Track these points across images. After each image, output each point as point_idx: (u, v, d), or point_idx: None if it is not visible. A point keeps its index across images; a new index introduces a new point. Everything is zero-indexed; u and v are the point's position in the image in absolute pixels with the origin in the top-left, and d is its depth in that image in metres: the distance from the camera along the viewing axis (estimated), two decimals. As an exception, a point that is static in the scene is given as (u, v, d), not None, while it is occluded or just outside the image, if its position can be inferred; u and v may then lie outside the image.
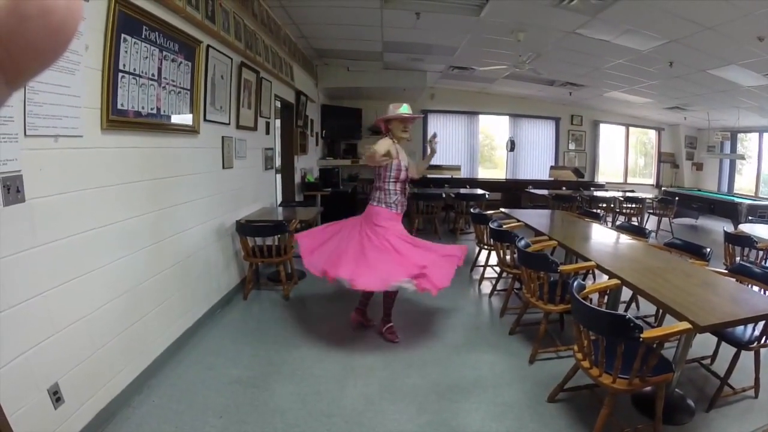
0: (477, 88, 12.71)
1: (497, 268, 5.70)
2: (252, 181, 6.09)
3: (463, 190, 10.12)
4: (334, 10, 6.54)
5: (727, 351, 3.45)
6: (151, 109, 3.41)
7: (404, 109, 4.10)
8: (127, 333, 3.24)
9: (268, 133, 6.69)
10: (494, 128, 14.84)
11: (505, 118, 14.26)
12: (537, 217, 6.41)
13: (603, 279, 3.76)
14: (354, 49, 8.89)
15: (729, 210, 9.68)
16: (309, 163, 10.06)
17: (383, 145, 4.04)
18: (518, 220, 5.99)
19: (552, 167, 13.93)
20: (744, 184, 13.52)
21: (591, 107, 13.83)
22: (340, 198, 9.65)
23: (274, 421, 3.08)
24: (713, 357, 3.86)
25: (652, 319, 4.58)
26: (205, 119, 4.39)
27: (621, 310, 4.57)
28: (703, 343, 3.89)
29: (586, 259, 4.02)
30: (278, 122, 7.93)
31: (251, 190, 6.07)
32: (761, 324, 3.19)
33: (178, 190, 3.99)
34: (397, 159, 4.11)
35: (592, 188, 12.29)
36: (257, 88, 5.92)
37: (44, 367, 2.44)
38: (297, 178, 8.90)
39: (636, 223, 8.74)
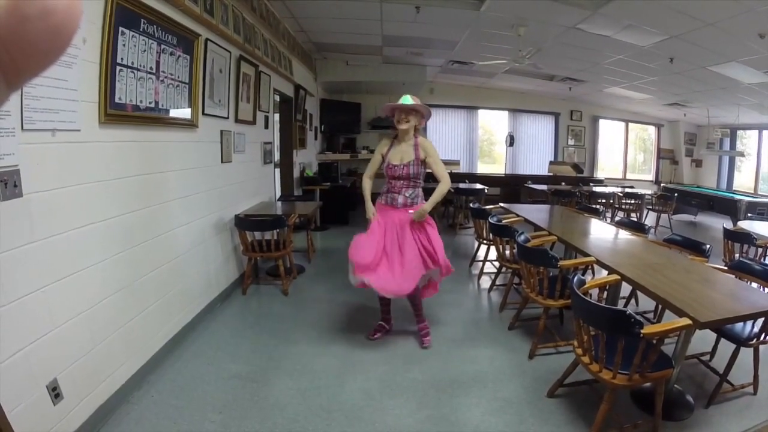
0: (476, 82, 12.70)
1: (496, 263, 5.70)
2: (251, 175, 6.08)
3: (462, 185, 10.10)
4: (333, 3, 6.52)
5: (727, 347, 3.45)
6: (150, 102, 3.40)
7: (404, 100, 3.99)
8: (126, 328, 3.23)
9: (267, 127, 6.67)
10: (493, 123, 14.85)
11: (505, 113, 14.26)
12: (536, 213, 6.41)
13: (602, 274, 3.75)
14: (353, 43, 8.87)
15: (728, 207, 9.69)
16: (308, 157, 10.05)
17: (376, 153, 4.22)
18: (517, 215, 5.99)
19: (551, 162, 13.93)
20: (743, 181, 13.51)
21: (590, 103, 13.82)
22: (339, 192, 9.64)
23: (274, 416, 3.08)
24: (712, 353, 3.86)
25: (651, 315, 4.58)
26: (203, 113, 4.37)
27: (620, 306, 4.57)
28: (703, 340, 3.90)
29: (586, 255, 4.01)
30: (277, 116, 7.93)
31: (250, 184, 6.06)
32: (760, 321, 3.20)
33: (176, 185, 3.98)
34: (385, 158, 4.10)
35: (591, 184, 12.31)
36: (256, 82, 5.89)
37: (43, 363, 2.44)
38: (296, 173, 8.90)
39: (635, 219, 8.75)
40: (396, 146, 4.10)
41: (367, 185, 4.27)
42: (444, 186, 4.06)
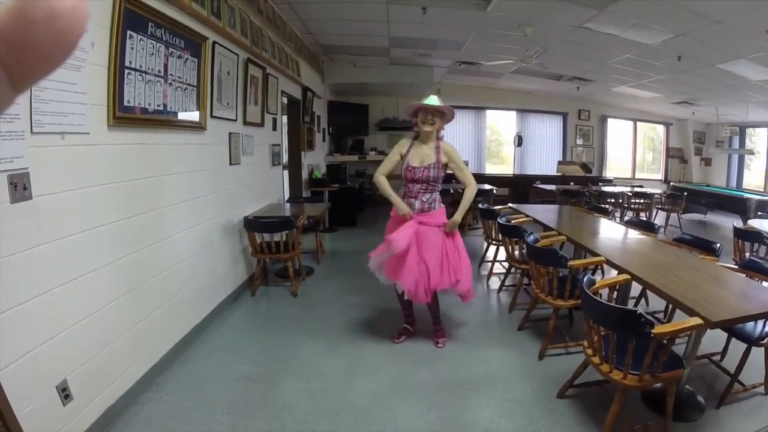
0: (484, 83, 12.68)
1: (506, 264, 5.68)
2: (259, 177, 6.09)
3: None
4: (339, 5, 6.53)
5: (738, 347, 3.42)
6: (158, 105, 3.41)
7: (429, 100, 3.86)
8: (135, 330, 3.25)
9: (275, 129, 6.68)
10: (501, 123, 14.80)
11: (513, 114, 14.22)
12: (545, 213, 6.38)
13: (612, 274, 3.73)
14: (360, 44, 8.89)
15: (738, 205, 9.63)
16: (316, 159, 10.07)
17: (394, 151, 4.05)
18: (526, 216, 5.97)
19: (560, 162, 13.87)
20: (753, 179, 13.40)
21: (598, 102, 13.76)
22: (348, 194, 9.66)
23: (283, 417, 3.08)
24: (723, 353, 3.83)
25: (661, 315, 4.55)
26: (211, 115, 4.38)
27: (630, 306, 4.54)
28: (713, 339, 3.87)
29: (596, 255, 3.99)
30: (285, 118, 7.94)
31: (258, 186, 6.08)
32: (772, 320, 3.17)
33: (185, 187, 3.99)
34: (404, 159, 3.97)
35: (600, 183, 12.26)
36: (264, 85, 5.91)
37: (53, 365, 2.45)
38: (304, 174, 8.92)
39: (644, 219, 8.70)
40: (416, 147, 3.98)
41: (384, 181, 4.03)
42: (470, 192, 4.01)
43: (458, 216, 3.96)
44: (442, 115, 3.93)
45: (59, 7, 0.30)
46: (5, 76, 0.31)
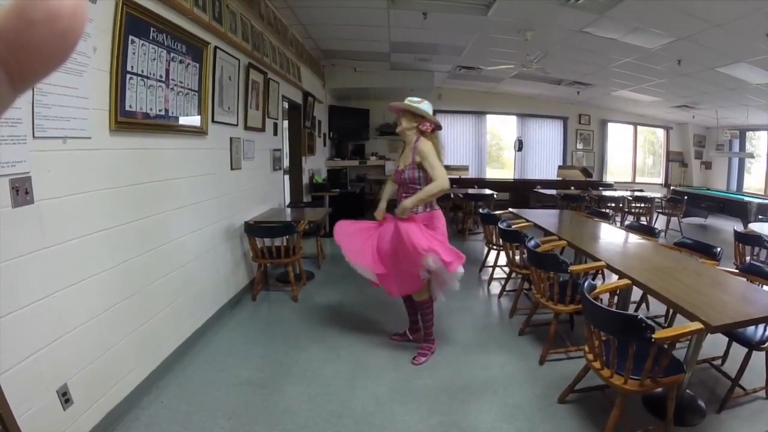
0: (484, 87, 12.71)
1: (506, 269, 5.68)
2: (260, 182, 6.10)
3: (471, 191, 10.11)
4: (340, 10, 6.55)
5: (738, 351, 3.41)
6: (160, 110, 3.42)
7: (406, 101, 3.81)
8: (137, 334, 3.25)
9: (275, 134, 6.69)
10: (502, 128, 14.82)
11: (513, 118, 14.24)
12: (546, 217, 6.38)
13: (613, 279, 3.73)
14: (361, 49, 8.90)
15: (739, 209, 9.62)
16: (317, 163, 10.08)
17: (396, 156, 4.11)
18: (527, 220, 5.96)
19: (560, 167, 13.88)
20: (753, 182, 13.41)
21: (599, 106, 13.78)
22: (349, 199, 9.67)
23: (284, 422, 3.07)
24: (724, 357, 3.82)
25: (662, 320, 4.55)
26: (213, 120, 4.39)
27: (631, 311, 4.53)
28: (714, 344, 3.86)
29: (596, 259, 3.99)
30: (286, 123, 7.95)
31: (259, 191, 6.08)
32: (773, 324, 3.17)
33: (186, 192, 4.00)
34: (397, 162, 4.02)
35: (600, 188, 12.25)
36: (265, 89, 5.92)
37: (54, 368, 2.45)
38: (305, 179, 8.91)
39: (645, 223, 8.69)
40: (404, 150, 3.99)
41: (385, 187, 4.28)
42: (433, 186, 3.69)
43: (408, 202, 3.69)
44: (411, 115, 3.80)
45: (59, 7, 0.30)
46: (5, 76, 0.31)
